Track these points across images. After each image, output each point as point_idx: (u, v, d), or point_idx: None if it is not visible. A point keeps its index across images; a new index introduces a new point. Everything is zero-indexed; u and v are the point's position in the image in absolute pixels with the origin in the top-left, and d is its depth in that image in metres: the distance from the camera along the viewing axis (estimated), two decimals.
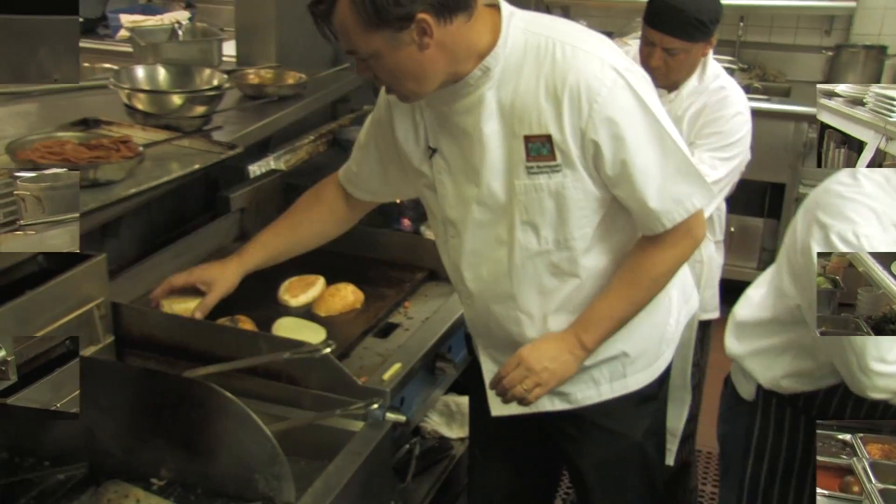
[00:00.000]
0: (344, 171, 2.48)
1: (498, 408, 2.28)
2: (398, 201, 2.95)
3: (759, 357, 2.40)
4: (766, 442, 2.45)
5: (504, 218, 2.10)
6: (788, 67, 5.88)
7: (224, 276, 2.42)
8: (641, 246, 2.16)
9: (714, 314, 3.38)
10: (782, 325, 2.35)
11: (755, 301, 2.46)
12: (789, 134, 5.29)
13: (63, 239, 1.97)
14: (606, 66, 1.97)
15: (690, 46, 2.93)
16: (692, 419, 3.47)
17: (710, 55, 3.11)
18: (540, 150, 2.00)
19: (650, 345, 2.30)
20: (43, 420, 1.92)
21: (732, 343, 2.48)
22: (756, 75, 5.84)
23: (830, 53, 5.69)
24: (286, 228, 2.50)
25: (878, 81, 5.40)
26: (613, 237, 2.16)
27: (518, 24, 2.02)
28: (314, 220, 2.50)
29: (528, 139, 2.01)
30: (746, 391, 2.47)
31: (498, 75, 2.01)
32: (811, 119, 5.21)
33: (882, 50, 5.47)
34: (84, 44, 5.40)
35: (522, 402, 2.18)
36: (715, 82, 3.10)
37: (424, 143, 2.17)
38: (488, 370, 2.30)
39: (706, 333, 3.44)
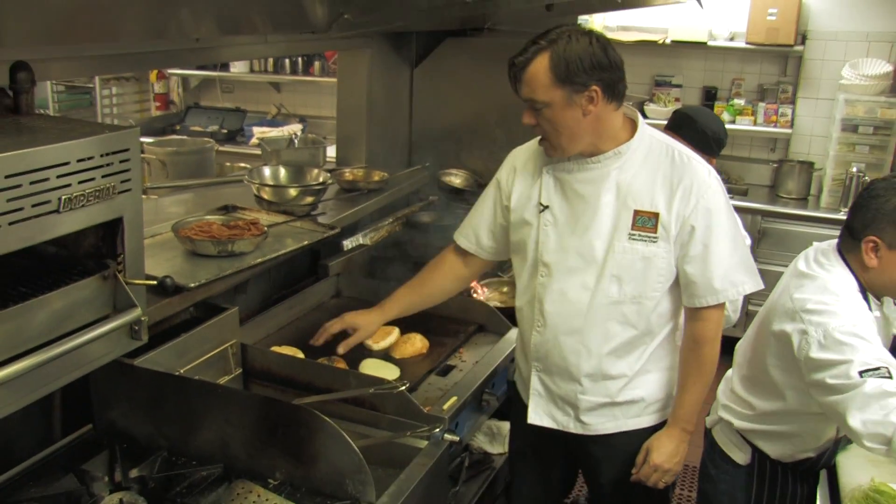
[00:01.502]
0: (460, 227, 2.40)
1: (534, 418, 2.24)
2: None
3: (773, 438, 2.27)
4: (763, 496, 2.33)
5: (594, 269, 2.08)
6: (746, 174, 5.85)
7: (368, 324, 2.39)
8: (696, 341, 2.14)
9: None
10: (798, 413, 2.20)
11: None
12: (747, 223, 5.21)
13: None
14: (711, 174, 2.07)
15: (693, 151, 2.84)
16: None
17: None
18: (646, 222, 2.03)
19: (662, 395, 2.24)
20: (192, 430, 1.92)
21: (744, 423, 2.31)
22: (722, 179, 5.79)
23: (775, 165, 5.68)
24: (416, 286, 2.44)
25: (808, 188, 5.45)
26: (668, 302, 2.14)
27: (646, 131, 2.10)
28: (437, 279, 2.43)
29: (637, 212, 2.04)
30: (741, 457, 2.33)
31: (624, 161, 2.05)
32: (764, 213, 5.28)
33: (811, 165, 5.48)
34: (226, 148, 5.52)
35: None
36: None
37: (537, 199, 2.14)
38: (535, 389, 2.23)
39: None
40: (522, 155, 2.23)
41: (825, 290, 2.09)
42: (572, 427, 2.22)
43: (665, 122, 3.01)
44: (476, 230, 2.34)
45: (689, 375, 2.16)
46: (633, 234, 2.04)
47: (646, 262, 2.05)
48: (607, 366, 2.14)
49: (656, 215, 2.02)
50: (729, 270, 2.06)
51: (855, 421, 1.90)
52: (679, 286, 2.12)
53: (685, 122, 2.84)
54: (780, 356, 2.16)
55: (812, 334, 2.03)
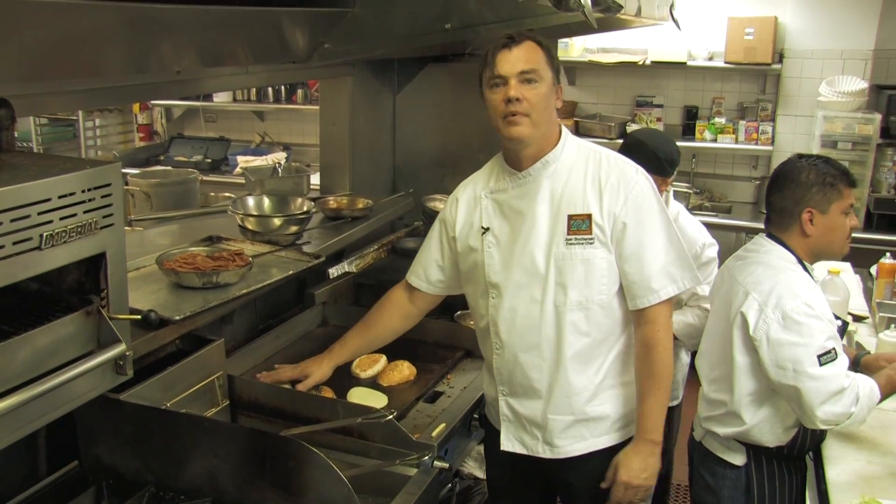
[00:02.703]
0: (411, 268, 2.43)
1: (507, 444, 2.24)
2: None
3: (764, 424, 2.32)
4: (765, 492, 2.38)
5: (539, 280, 2.10)
6: (729, 191, 5.91)
7: (319, 370, 2.38)
8: (646, 345, 2.13)
9: (675, 402, 3.15)
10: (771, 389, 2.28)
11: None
12: (731, 240, 5.28)
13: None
14: (639, 171, 2.13)
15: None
16: (667, 477, 3.35)
17: (671, 196, 3.04)
18: (580, 225, 2.06)
19: (625, 411, 2.22)
20: (180, 464, 1.90)
21: (728, 428, 2.36)
22: (706, 197, 5.85)
23: (757, 182, 5.75)
24: (363, 330, 2.45)
25: None
26: (619, 309, 2.15)
27: (572, 139, 2.16)
28: (384, 321, 2.44)
29: (571, 217, 2.07)
30: (739, 458, 2.39)
31: (554, 169, 2.10)
32: (748, 230, 5.29)
33: None
34: (210, 178, 5.52)
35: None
36: (671, 217, 3.01)
37: (479, 224, 2.19)
38: (504, 414, 2.23)
39: (673, 415, 3.20)
40: (462, 187, 2.30)
41: (770, 266, 2.30)
42: (541, 451, 2.21)
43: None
44: (425, 267, 2.38)
45: (644, 383, 2.14)
46: (570, 239, 2.07)
47: (586, 266, 2.07)
48: (568, 377, 2.13)
49: (589, 216, 2.06)
50: (666, 266, 2.09)
51: (819, 412, 2.16)
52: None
53: (637, 147, 2.92)
54: (743, 339, 2.27)
55: (770, 315, 2.20)
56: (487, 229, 2.17)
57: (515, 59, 2.03)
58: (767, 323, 2.19)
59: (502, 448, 2.24)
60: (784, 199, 2.36)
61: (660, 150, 2.90)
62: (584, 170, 2.10)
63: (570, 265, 2.07)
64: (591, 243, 2.06)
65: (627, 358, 2.21)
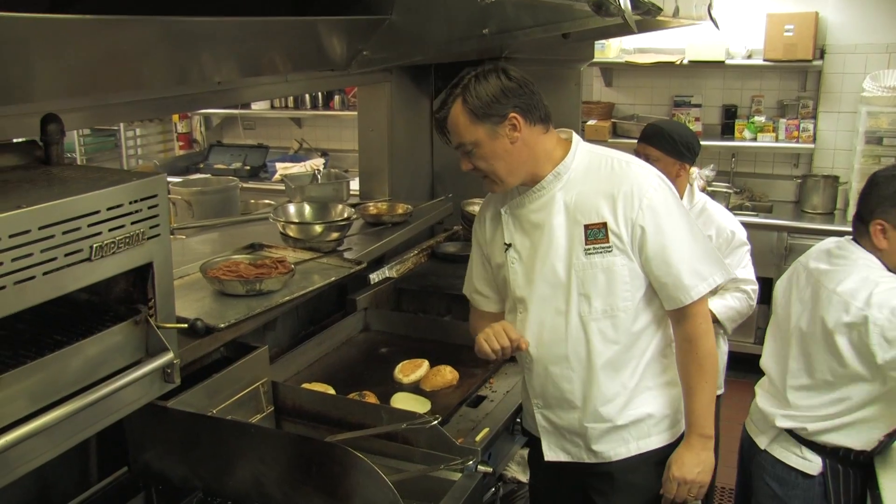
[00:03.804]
0: (465, 284, 2.39)
1: (550, 454, 2.23)
2: None
3: (857, 426, 2.28)
4: (840, 500, 2.34)
5: (562, 292, 2.08)
6: (770, 190, 5.82)
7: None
8: (688, 340, 2.11)
9: (719, 391, 3.11)
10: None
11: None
12: (773, 240, 5.22)
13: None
14: (651, 174, 2.07)
15: (665, 158, 2.94)
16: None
17: (695, 187, 3.10)
18: (597, 234, 2.03)
19: (670, 411, 2.19)
20: (227, 470, 1.92)
21: (820, 423, 2.31)
22: (746, 196, 5.77)
23: (799, 180, 5.65)
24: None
25: (834, 203, 5.43)
26: (648, 314, 2.12)
27: (584, 147, 2.12)
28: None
29: (587, 227, 2.05)
30: (814, 468, 2.34)
31: (566, 181, 2.08)
32: (789, 229, 5.24)
33: (836, 179, 5.46)
34: (249, 185, 5.56)
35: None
36: (698, 207, 3.07)
37: (502, 240, 2.18)
38: (542, 426, 2.22)
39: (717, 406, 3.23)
40: (485, 206, 2.29)
41: (862, 272, 2.23)
42: (585, 457, 2.19)
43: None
44: (476, 286, 2.35)
45: (691, 378, 2.12)
46: (589, 249, 2.05)
47: (607, 274, 2.05)
48: (600, 386, 2.11)
49: (604, 225, 2.03)
50: (694, 264, 2.05)
51: None
52: (656, 296, 2.11)
53: (654, 134, 3.02)
54: (857, 346, 2.20)
55: (877, 315, 2.13)
56: (510, 245, 2.17)
57: (450, 135, 2.06)
58: (879, 324, 2.13)
59: (546, 459, 2.23)
60: (861, 207, 2.32)
61: (675, 132, 2.99)
62: (595, 178, 2.07)
63: (592, 275, 2.05)
64: (609, 251, 2.04)
65: (666, 360, 2.18)
